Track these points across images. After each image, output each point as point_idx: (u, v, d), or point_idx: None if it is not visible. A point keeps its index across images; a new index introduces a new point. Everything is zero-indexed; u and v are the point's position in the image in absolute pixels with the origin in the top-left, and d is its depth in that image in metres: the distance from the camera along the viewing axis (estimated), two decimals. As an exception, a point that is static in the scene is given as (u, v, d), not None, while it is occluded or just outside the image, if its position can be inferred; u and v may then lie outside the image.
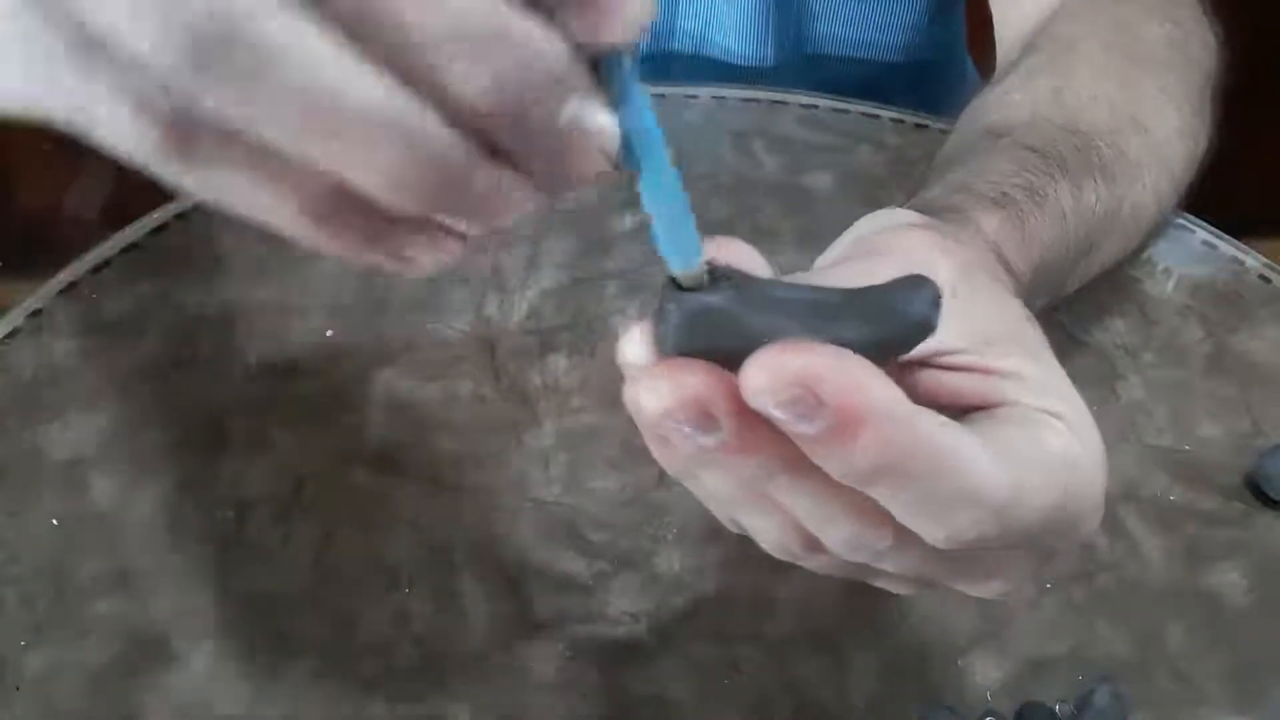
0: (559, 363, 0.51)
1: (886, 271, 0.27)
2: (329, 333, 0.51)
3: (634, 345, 0.24)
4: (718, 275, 0.23)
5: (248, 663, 0.40)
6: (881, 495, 0.24)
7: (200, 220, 0.56)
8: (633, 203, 0.58)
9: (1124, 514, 0.46)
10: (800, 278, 0.29)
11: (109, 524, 0.44)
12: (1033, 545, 0.28)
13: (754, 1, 0.67)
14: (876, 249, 0.32)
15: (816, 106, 0.65)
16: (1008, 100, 0.48)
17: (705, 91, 0.65)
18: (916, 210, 0.38)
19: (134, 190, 0.58)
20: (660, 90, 0.65)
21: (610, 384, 0.43)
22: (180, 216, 0.56)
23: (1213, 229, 0.58)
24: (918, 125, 0.63)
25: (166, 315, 0.51)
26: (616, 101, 0.21)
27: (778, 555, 0.29)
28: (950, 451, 0.24)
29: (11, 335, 0.50)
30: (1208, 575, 0.45)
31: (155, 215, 0.55)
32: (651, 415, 0.23)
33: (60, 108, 0.20)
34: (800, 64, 0.70)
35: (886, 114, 0.64)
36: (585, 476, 0.47)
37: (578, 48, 0.20)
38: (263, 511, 0.44)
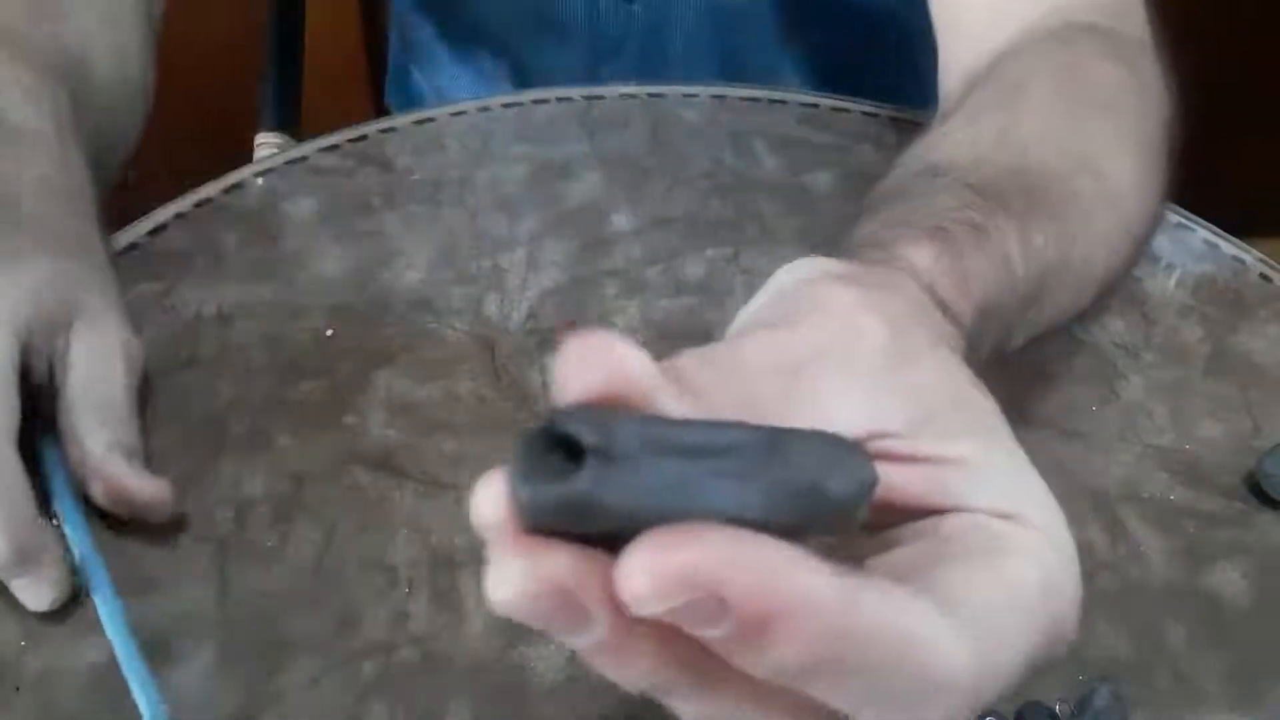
0: (559, 363, 0.51)
1: (804, 340, 0.26)
2: (329, 333, 0.51)
3: (486, 502, 0.19)
4: (584, 429, 0.18)
5: (248, 663, 0.40)
6: (821, 693, 0.20)
7: (200, 220, 0.56)
8: (632, 199, 0.58)
9: (1124, 514, 0.46)
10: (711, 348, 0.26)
11: (109, 524, 0.44)
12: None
13: None
14: (798, 306, 0.29)
15: (816, 106, 0.65)
16: (951, 139, 0.45)
17: (705, 91, 0.65)
18: (850, 249, 0.35)
19: (134, 190, 0.58)
20: (660, 90, 0.65)
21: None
22: (180, 216, 0.56)
23: (1213, 228, 0.58)
24: (917, 124, 0.63)
25: (166, 315, 0.51)
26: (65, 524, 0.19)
27: None
28: (901, 634, 0.19)
29: (11, 335, 0.50)
30: (1208, 575, 0.45)
31: (155, 215, 0.55)
32: (503, 607, 0.19)
33: None
34: (796, 7, 0.69)
35: (886, 113, 0.64)
36: (585, 476, 0.46)
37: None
38: (263, 511, 0.44)
